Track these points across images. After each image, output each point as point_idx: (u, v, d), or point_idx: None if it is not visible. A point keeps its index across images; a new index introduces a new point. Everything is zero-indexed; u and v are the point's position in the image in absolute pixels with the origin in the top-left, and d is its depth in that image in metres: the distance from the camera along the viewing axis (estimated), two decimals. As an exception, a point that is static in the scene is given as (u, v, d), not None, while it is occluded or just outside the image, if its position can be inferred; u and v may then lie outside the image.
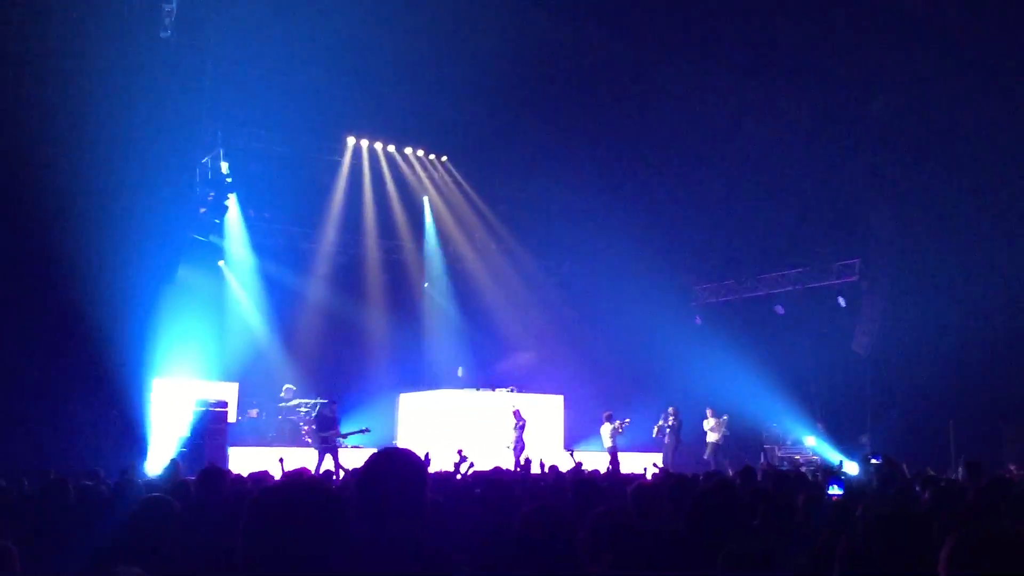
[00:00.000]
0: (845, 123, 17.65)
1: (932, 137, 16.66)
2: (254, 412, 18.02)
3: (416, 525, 2.30)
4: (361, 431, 14.72)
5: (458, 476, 8.66)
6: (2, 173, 12.31)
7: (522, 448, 15.88)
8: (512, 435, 16.27)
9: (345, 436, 14.45)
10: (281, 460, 10.10)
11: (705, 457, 17.67)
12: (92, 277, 12.27)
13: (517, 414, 16.43)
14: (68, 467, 8.22)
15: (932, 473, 8.53)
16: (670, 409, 17.58)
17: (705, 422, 18.14)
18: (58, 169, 12.14)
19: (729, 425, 18.13)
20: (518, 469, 12.35)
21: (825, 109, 17.34)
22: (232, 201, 16.84)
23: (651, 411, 17.98)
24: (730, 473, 11.11)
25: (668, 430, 17.32)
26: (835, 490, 6.60)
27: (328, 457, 13.92)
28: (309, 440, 17.65)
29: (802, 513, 4.76)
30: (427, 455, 8.29)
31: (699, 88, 16.90)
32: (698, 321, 21.99)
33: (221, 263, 18.63)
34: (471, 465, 9.08)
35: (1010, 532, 1.61)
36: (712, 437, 17.96)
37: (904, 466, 8.15)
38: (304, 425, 18.02)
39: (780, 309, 20.43)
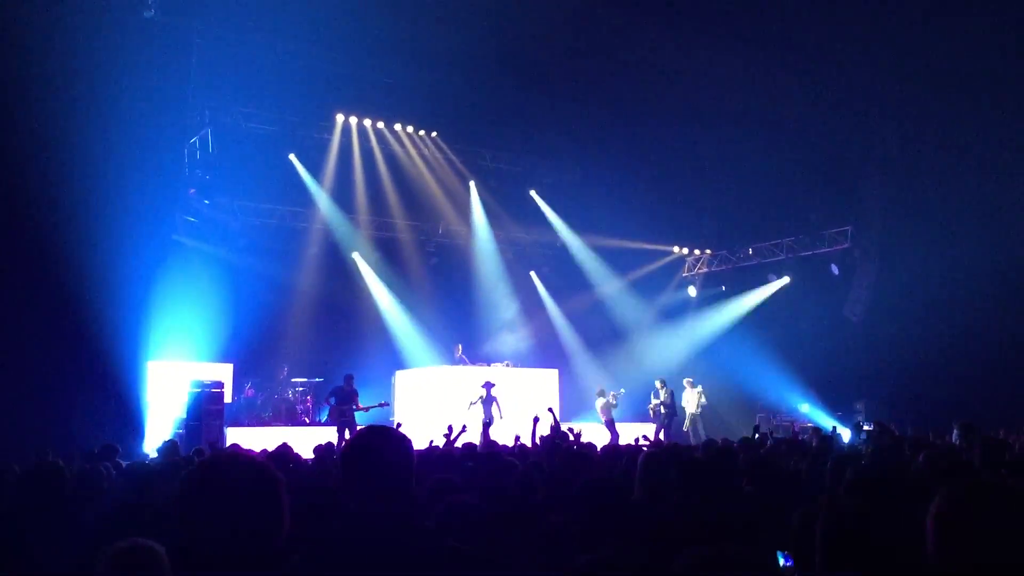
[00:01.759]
0: (835, 91, 17.57)
1: (920, 101, 16.60)
2: (250, 391, 18.06)
3: (404, 503, 2.30)
4: (380, 405, 14.81)
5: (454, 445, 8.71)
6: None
7: (488, 424, 15.72)
8: (480, 408, 16.06)
9: (366, 409, 14.49)
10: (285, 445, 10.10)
11: (684, 429, 17.58)
12: (84, 261, 12.25)
13: (488, 387, 16.32)
14: (63, 451, 8.24)
15: (924, 437, 8.57)
16: (657, 383, 17.52)
17: (684, 393, 18.06)
18: (46, 155, 12.07)
19: (725, 394, 18.17)
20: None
21: (815, 77, 17.24)
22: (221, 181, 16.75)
23: (647, 382, 18.02)
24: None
25: (662, 407, 17.29)
26: None
27: (347, 431, 13.97)
28: (306, 419, 17.72)
29: (805, 479, 4.79)
30: (431, 442, 8.33)
31: (689, 58, 16.77)
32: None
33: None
34: (463, 429, 9.07)
35: (1000, 483, 1.59)
36: (691, 408, 17.92)
37: (894, 429, 8.18)
38: (299, 405, 18.08)
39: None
